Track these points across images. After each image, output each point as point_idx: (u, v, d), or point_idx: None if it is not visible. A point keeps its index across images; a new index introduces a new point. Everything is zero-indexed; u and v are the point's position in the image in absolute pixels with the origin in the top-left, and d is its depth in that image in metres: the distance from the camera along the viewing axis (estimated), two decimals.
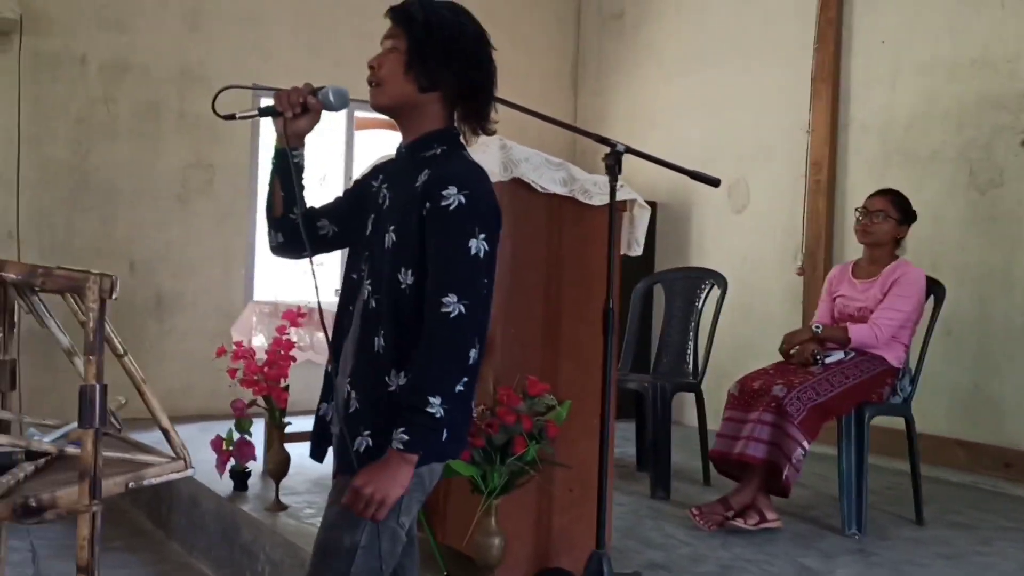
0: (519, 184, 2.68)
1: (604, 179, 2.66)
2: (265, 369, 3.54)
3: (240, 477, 3.81)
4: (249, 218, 5.77)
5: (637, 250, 3.08)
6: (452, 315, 1.60)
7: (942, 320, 3.71)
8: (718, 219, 5.79)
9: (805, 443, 3.28)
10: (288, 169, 1.82)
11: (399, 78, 1.72)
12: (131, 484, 1.65)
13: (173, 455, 1.71)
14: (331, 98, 1.78)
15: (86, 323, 1.52)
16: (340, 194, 1.96)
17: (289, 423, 3.61)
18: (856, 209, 3.72)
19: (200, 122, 5.51)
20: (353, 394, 1.73)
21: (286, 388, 3.59)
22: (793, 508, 3.65)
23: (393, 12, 1.76)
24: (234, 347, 3.70)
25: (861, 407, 3.44)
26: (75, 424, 1.82)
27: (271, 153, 1.87)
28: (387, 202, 1.77)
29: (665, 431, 3.94)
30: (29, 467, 1.63)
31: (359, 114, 6.18)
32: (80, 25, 5.16)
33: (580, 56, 6.96)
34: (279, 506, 3.54)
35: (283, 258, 1.93)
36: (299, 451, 3.74)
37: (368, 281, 1.75)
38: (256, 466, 3.90)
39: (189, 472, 1.70)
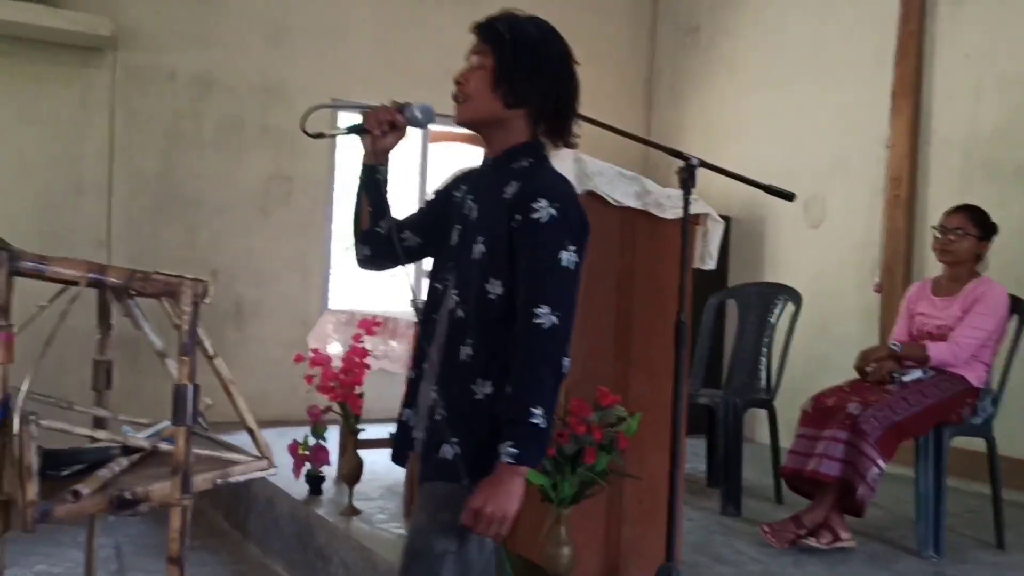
0: (593, 197, 2.71)
1: (677, 192, 2.67)
2: (341, 376, 3.63)
3: (315, 481, 3.90)
4: (326, 229, 5.91)
5: (710, 264, 3.07)
6: (545, 326, 1.63)
7: None
8: (793, 234, 5.72)
9: (880, 462, 3.22)
10: (375, 184, 1.87)
11: (486, 94, 1.76)
12: (218, 480, 1.72)
13: (258, 455, 1.78)
14: (417, 115, 1.82)
15: (180, 326, 1.59)
16: (421, 206, 2.00)
17: (363, 429, 3.69)
18: (933, 227, 3.65)
19: (281, 135, 5.67)
20: (440, 401, 1.75)
21: (361, 395, 3.67)
22: (868, 528, 3.58)
23: (480, 28, 1.79)
24: (311, 354, 3.80)
25: (940, 427, 3.37)
26: (166, 423, 1.91)
27: (358, 168, 1.92)
28: (474, 213, 1.80)
29: (736, 446, 3.91)
30: (124, 462, 1.71)
31: (434, 128, 6.28)
32: (170, 41, 5.37)
33: (655, 69, 6.96)
34: (353, 511, 3.61)
35: (369, 270, 1.97)
36: (372, 457, 3.84)
37: (455, 291, 1.77)
38: (330, 471, 3.99)
39: (272, 471, 1.77)
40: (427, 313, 1.85)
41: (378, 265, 1.95)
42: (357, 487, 3.70)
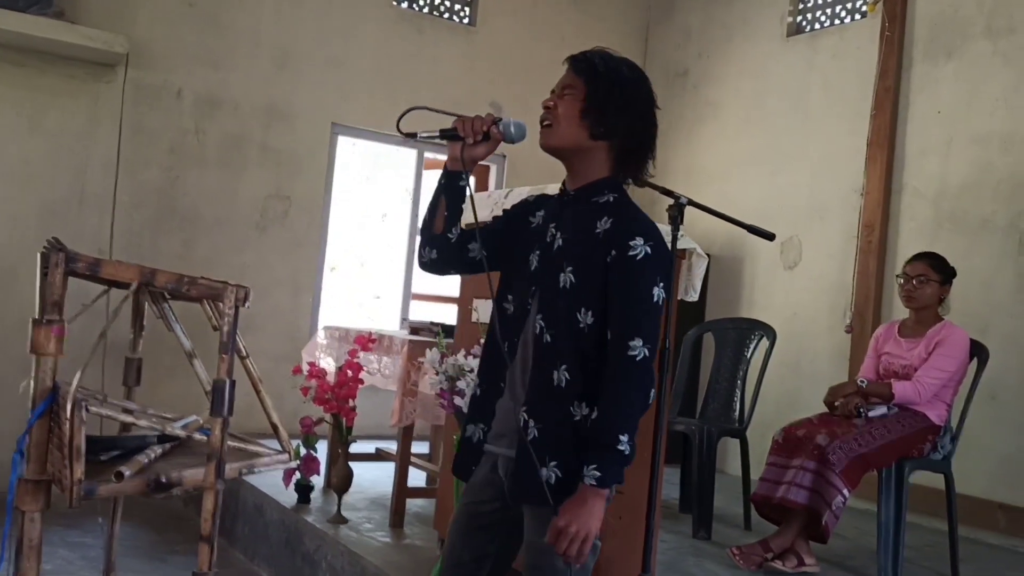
0: None
1: (666, 228, 2.86)
2: (336, 389, 3.79)
3: (304, 490, 4.03)
4: (320, 248, 6.07)
5: (693, 296, 3.27)
6: (638, 358, 1.75)
7: (988, 384, 3.83)
8: (769, 274, 5.96)
9: (845, 491, 3.42)
10: (456, 190, 1.92)
11: (574, 122, 1.85)
12: (244, 471, 1.87)
13: (280, 449, 1.94)
14: (512, 130, 1.87)
15: (221, 327, 1.76)
16: (491, 222, 2.06)
17: (354, 440, 3.84)
18: (897, 275, 3.88)
19: (281, 156, 5.85)
20: (531, 423, 1.82)
21: (354, 408, 3.82)
22: (832, 556, 3.77)
23: (574, 60, 1.89)
24: (307, 367, 3.96)
25: (901, 461, 3.57)
26: (193, 417, 2.07)
27: (440, 173, 1.95)
28: (559, 242, 1.88)
29: (710, 472, 4.09)
30: (158, 449, 1.87)
31: (428, 155, 6.48)
32: (179, 61, 5.54)
33: None
34: (340, 519, 3.75)
35: (430, 272, 2.03)
36: (358, 470, 3.99)
37: (539, 315, 1.85)
38: (318, 481, 4.13)
39: (293, 464, 1.92)
40: (504, 334, 1.90)
41: (441, 269, 2.01)
42: (343, 498, 3.84)
